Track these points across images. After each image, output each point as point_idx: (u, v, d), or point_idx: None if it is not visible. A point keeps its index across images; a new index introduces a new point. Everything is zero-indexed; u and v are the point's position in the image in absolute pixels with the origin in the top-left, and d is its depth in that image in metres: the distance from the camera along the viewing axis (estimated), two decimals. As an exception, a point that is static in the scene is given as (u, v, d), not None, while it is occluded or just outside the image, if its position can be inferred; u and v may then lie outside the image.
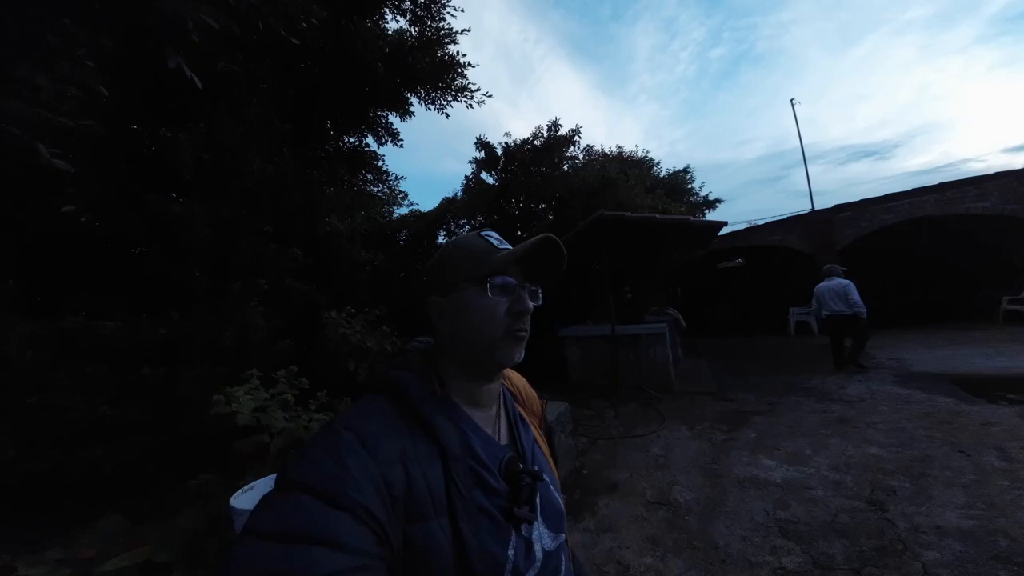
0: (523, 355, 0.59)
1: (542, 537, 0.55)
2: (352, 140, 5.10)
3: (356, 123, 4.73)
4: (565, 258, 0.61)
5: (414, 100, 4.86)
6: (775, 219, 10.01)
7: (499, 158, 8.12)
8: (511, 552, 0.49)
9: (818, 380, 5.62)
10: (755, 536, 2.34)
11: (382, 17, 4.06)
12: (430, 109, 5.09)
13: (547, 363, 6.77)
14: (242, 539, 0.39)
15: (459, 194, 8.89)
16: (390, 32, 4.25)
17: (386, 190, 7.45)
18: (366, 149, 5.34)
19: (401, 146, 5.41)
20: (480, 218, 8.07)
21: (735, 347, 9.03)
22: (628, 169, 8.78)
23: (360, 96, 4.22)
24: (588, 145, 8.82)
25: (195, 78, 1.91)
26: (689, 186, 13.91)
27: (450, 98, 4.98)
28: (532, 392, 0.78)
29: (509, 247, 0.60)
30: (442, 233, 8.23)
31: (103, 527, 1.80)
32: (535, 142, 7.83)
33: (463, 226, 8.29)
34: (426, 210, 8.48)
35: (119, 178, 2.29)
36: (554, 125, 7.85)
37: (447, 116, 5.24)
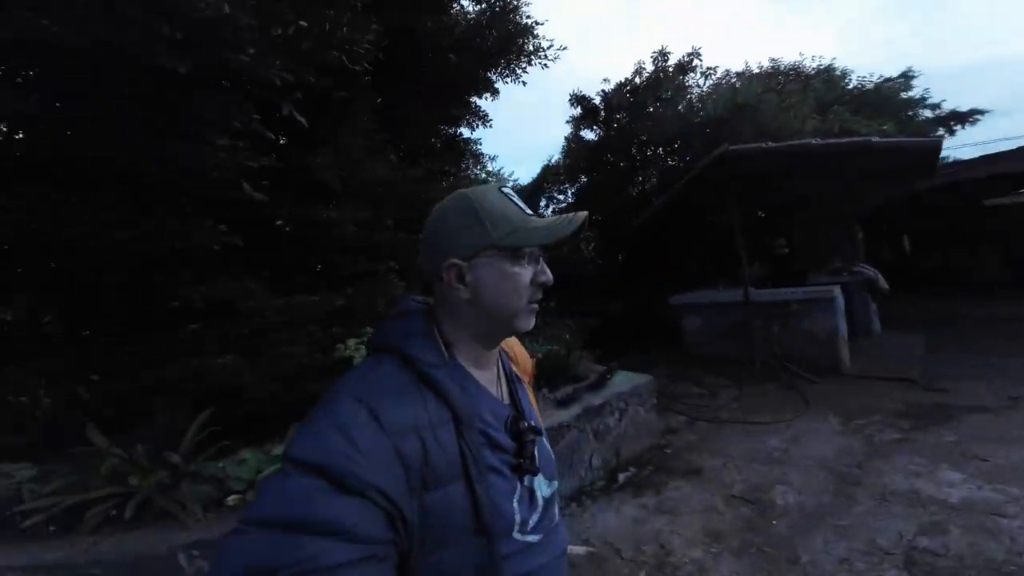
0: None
1: (541, 485, 0.58)
2: (449, 131, 5.56)
3: (444, 118, 5.11)
4: (584, 232, 0.61)
5: (492, 77, 4.88)
6: None
7: (598, 110, 7.39)
8: (516, 503, 0.53)
9: None
10: (861, 561, 1.69)
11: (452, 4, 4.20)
12: (506, 82, 5.05)
13: (655, 331, 6.12)
14: (238, 528, 0.37)
15: (555, 158, 8.54)
16: (462, 17, 4.37)
17: (482, 172, 7.73)
18: (458, 139, 5.74)
19: (490, 126, 5.56)
20: (584, 179, 7.65)
21: (995, 316, 5.90)
22: (785, 85, 6.71)
23: (441, 92, 4.58)
24: (709, 68, 6.96)
25: (303, 119, 2.58)
26: (905, 95, 9.52)
27: (524, 64, 4.83)
28: (522, 350, 0.80)
29: (531, 211, 0.58)
30: (543, 201, 8.17)
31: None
32: (636, 80, 6.82)
33: (565, 191, 8.04)
34: (526, 182, 8.54)
35: (290, 196, 3.19)
36: (661, 55, 6.65)
37: (524, 84, 5.13)
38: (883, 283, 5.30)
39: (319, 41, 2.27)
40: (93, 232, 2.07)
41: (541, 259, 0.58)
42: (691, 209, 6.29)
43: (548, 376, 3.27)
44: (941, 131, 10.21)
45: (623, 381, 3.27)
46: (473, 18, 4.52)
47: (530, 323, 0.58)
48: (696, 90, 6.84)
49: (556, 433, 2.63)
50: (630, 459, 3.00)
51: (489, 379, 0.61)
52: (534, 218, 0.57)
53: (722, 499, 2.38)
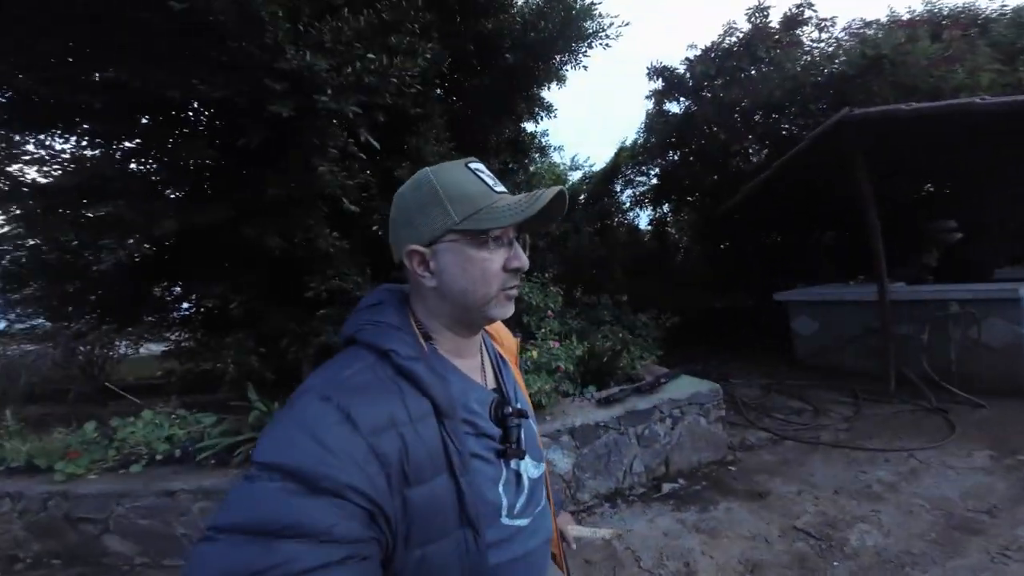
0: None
1: (528, 467, 0.57)
2: (512, 127, 5.33)
3: (507, 115, 4.97)
4: (566, 208, 0.54)
5: (555, 65, 4.79)
6: None
7: (685, 80, 6.59)
8: (502, 488, 0.51)
9: None
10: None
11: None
12: (566, 70, 4.94)
13: (763, 333, 5.28)
14: (207, 535, 0.35)
15: (631, 139, 7.89)
16: (520, 13, 4.19)
17: (549, 163, 7.69)
18: (523, 135, 5.82)
19: (555, 116, 5.45)
20: (673, 156, 6.91)
21: None
22: (940, 33, 5.04)
23: (502, 90, 4.51)
24: (824, 20, 5.54)
25: (374, 142, 3.14)
26: None
27: (585, 48, 4.69)
28: (505, 330, 0.77)
29: (503, 187, 0.53)
30: (618, 183, 7.63)
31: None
32: (727, 41, 5.89)
33: (648, 172, 7.38)
34: (599, 167, 8.11)
35: (382, 203, 3.46)
36: (759, 10, 5.64)
37: (585, 68, 4.97)
38: None
39: (380, 75, 2.61)
40: (257, 240, 2.86)
41: (515, 241, 0.53)
42: (815, 188, 5.26)
43: (593, 376, 3.24)
44: None
45: (682, 387, 3.04)
46: (530, 11, 4.56)
47: (506, 311, 0.54)
48: (812, 46, 5.64)
49: (590, 432, 2.64)
50: (683, 470, 2.79)
51: (472, 366, 0.59)
52: (504, 196, 0.52)
53: (779, 529, 2.06)
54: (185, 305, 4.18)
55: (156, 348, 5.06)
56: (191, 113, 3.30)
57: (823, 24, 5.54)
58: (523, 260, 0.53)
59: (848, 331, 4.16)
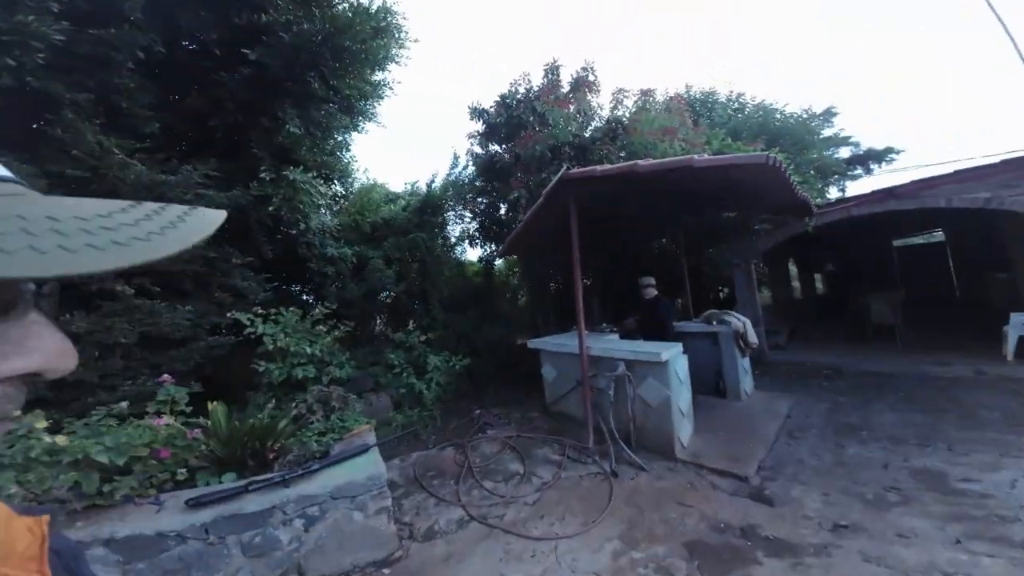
0: None
1: None
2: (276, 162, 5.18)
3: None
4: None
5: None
6: (985, 163, 5.60)
7: (498, 126, 6.81)
8: None
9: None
10: None
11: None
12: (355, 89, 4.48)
13: (520, 374, 5.36)
14: None
15: (457, 172, 7.90)
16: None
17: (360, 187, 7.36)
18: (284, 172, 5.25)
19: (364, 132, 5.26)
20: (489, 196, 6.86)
21: (887, 374, 5.46)
22: (668, 107, 6.24)
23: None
24: (595, 84, 6.54)
25: None
26: (822, 134, 9.55)
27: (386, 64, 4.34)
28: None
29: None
30: (449, 215, 7.35)
31: None
32: (520, 90, 6.23)
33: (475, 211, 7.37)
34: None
35: None
36: (552, 68, 6.10)
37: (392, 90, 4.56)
38: (752, 337, 4.72)
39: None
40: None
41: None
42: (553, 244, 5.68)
43: (239, 462, 2.33)
44: (859, 169, 10.35)
45: (336, 475, 2.36)
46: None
47: None
48: (575, 111, 6.27)
49: (149, 544, 1.76)
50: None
51: None
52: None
53: None
54: None
55: None
56: None
57: (593, 88, 6.19)
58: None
59: (573, 382, 4.35)
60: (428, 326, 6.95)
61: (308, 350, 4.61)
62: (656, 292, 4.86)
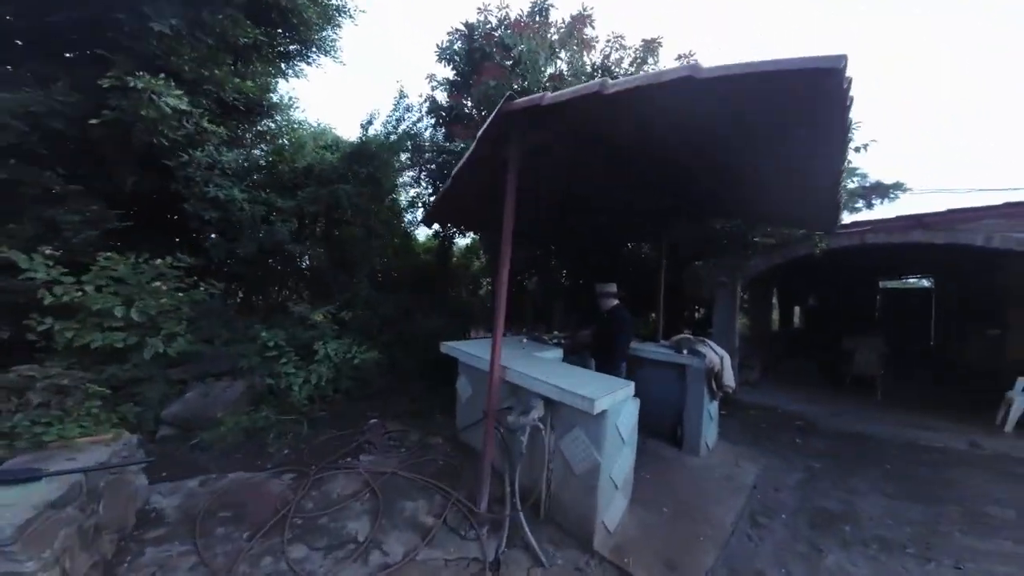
0: None
1: None
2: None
3: None
4: None
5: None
6: (984, 205, 4.68)
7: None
8: None
9: None
10: None
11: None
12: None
13: (447, 378, 4.35)
14: None
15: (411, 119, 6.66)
16: None
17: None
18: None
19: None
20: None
21: (869, 437, 4.59)
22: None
23: None
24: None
25: None
26: None
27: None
28: None
29: None
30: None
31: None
32: (490, 23, 5.01)
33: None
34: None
35: None
36: (540, 8, 4.88)
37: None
38: (728, 378, 3.73)
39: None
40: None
41: None
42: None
43: None
44: (860, 202, 9.53)
45: None
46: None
47: None
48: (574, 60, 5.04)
49: None
50: None
51: None
52: None
53: None
54: None
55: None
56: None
57: (588, 45, 4.97)
58: None
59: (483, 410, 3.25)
60: (348, 303, 5.71)
61: (119, 311, 3.37)
62: (616, 303, 3.80)
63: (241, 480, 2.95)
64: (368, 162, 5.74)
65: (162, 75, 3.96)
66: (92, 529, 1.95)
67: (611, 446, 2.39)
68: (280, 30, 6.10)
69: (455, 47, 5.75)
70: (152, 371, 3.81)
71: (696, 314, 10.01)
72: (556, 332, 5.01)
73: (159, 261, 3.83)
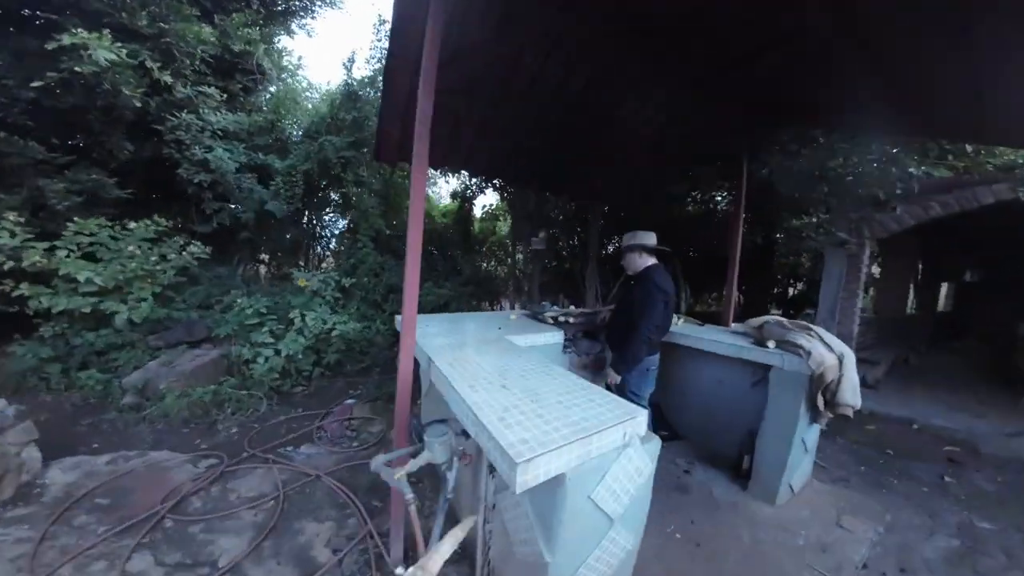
0: None
1: None
2: None
3: None
4: None
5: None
6: None
7: None
8: None
9: None
10: None
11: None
12: None
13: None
14: None
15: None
16: None
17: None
18: None
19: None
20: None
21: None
22: None
23: None
24: None
25: None
26: None
27: None
28: None
29: None
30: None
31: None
32: None
33: None
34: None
35: None
36: None
37: None
38: (848, 393, 2.25)
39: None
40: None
41: None
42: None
43: None
44: None
45: None
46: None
47: None
48: None
49: None
50: None
51: None
52: None
53: None
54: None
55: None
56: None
57: None
58: None
59: (435, 413, 2.32)
60: (351, 269, 5.19)
61: (82, 276, 3.18)
62: (652, 262, 2.48)
63: (153, 462, 2.50)
64: (351, 105, 4.99)
65: (107, 31, 3.61)
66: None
67: (576, 535, 1.30)
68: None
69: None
70: (131, 338, 3.66)
71: (791, 290, 7.87)
72: (568, 306, 3.64)
73: (133, 225, 3.73)
